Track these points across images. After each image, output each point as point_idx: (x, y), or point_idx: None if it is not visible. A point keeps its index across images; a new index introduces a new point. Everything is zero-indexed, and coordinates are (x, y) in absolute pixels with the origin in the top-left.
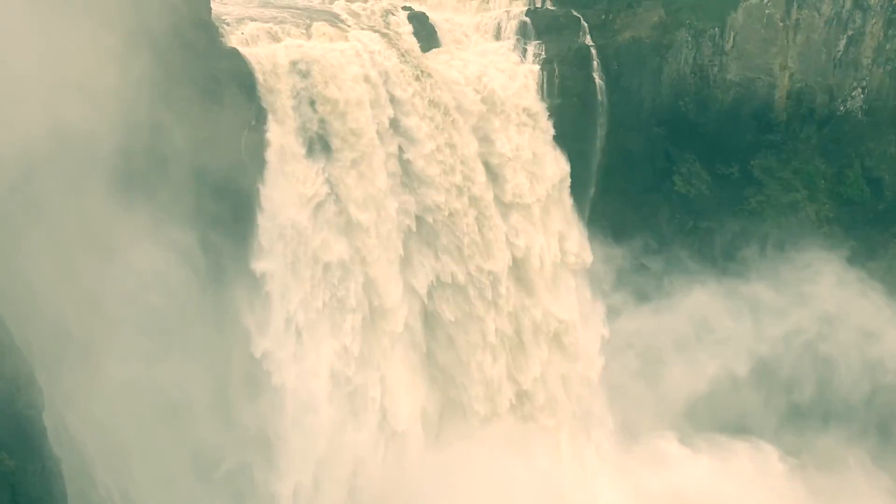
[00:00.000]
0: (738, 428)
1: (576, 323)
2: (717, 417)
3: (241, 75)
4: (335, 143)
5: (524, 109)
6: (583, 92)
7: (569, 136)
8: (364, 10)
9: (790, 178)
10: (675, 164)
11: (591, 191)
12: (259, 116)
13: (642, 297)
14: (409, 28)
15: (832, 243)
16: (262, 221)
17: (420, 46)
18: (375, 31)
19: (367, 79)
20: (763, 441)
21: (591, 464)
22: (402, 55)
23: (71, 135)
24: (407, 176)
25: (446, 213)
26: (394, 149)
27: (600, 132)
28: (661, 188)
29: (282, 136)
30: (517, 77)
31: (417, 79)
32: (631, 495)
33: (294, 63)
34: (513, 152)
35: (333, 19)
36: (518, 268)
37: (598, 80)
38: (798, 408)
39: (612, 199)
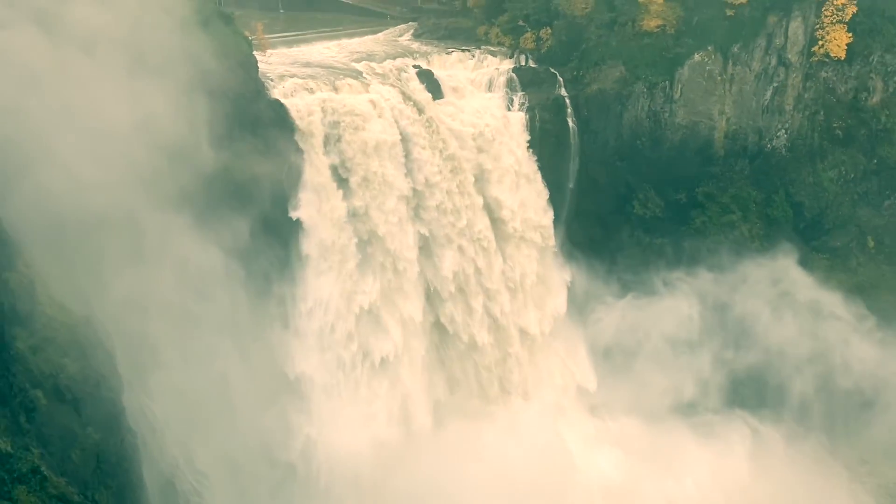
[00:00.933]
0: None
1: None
2: (685, 395)
3: (281, 120)
4: (375, 267)
5: (533, 223)
6: (559, 133)
7: (548, 170)
8: (381, 68)
9: (728, 202)
10: (633, 191)
11: (566, 212)
12: (296, 153)
13: (614, 298)
14: (418, 82)
15: (772, 254)
16: (296, 342)
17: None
18: (392, 87)
19: (407, 201)
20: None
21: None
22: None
23: (149, 174)
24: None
25: (465, 341)
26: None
27: (573, 166)
28: (623, 211)
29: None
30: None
31: (453, 211)
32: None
33: (335, 167)
34: (521, 278)
35: (357, 76)
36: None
37: (571, 124)
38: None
39: (584, 220)
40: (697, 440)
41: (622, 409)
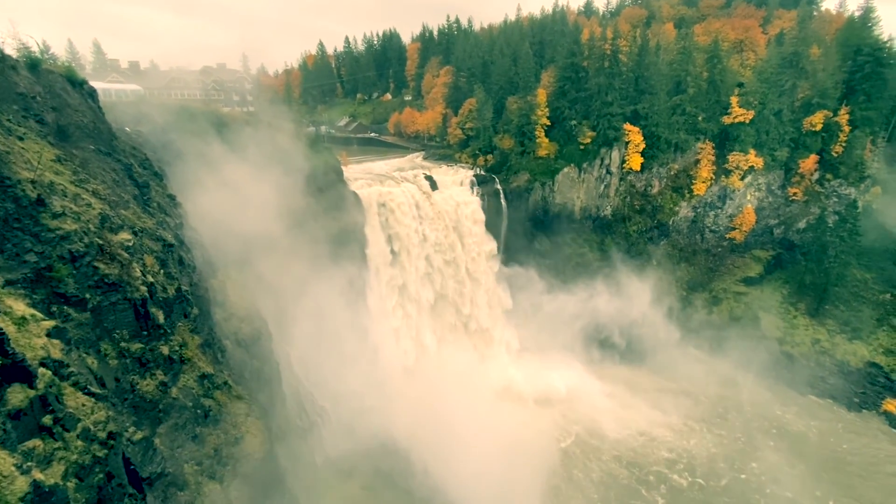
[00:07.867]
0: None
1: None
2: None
3: (356, 200)
4: (403, 263)
5: (482, 248)
6: (497, 208)
7: (492, 227)
8: (407, 174)
9: (582, 242)
10: (536, 236)
11: (503, 249)
12: (363, 217)
13: (529, 289)
14: (425, 181)
15: (608, 268)
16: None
17: (430, 188)
18: (412, 183)
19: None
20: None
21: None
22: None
23: (286, 222)
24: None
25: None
26: None
27: (504, 225)
28: (531, 247)
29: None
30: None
31: (442, 241)
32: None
33: (383, 223)
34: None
35: (394, 178)
36: None
37: (503, 203)
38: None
39: (512, 252)
40: (571, 359)
41: (536, 347)
